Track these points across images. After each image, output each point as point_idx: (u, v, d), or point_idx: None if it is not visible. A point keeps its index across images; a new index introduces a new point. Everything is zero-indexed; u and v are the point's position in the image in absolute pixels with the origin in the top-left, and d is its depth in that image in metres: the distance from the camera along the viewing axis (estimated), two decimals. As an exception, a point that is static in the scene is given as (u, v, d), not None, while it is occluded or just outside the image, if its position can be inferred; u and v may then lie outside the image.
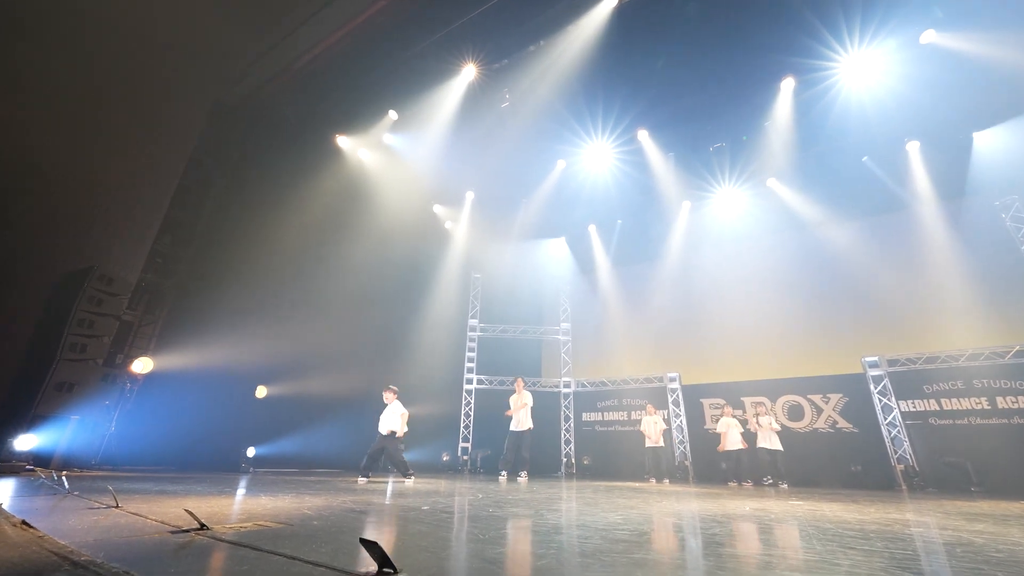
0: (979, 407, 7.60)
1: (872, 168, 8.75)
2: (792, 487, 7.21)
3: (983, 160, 8.13)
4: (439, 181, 10.02)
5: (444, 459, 10.58)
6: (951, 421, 7.75)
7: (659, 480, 8.03)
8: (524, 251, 11.98)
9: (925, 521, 3.30)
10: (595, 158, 9.50)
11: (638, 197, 10.34)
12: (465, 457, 10.54)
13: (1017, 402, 7.37)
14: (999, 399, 7.50)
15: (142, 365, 6.34)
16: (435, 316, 11.36)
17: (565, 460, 10.75)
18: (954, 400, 7.82)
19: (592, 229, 11.78)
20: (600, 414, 10.92)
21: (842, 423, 8.53)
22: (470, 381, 11.57)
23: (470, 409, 11.30)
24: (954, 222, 8.66)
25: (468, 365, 11.69)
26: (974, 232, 8.49)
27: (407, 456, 9.54)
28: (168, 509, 2.68)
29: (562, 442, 11.11)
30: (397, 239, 10.33)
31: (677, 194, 10.01)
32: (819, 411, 8.83)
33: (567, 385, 11.75)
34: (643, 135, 9.01)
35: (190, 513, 2.32)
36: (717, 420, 9.23)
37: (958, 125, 7.94)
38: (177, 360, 6.49)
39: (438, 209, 11.34)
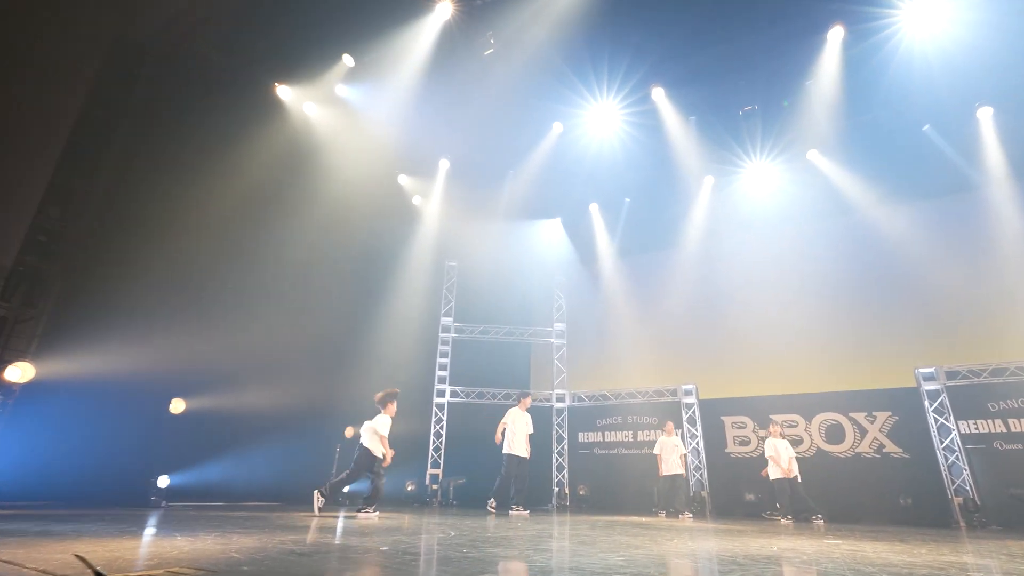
0: (1051, 429, 7.84)
1: (935, 139, 8.88)
2: (830, 523, 7.35)
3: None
4: (406, 145, 9.89)
5: (409, 489, 10.56)
6: (1021, 445, 7.98)
7: (675, 515, 8.11)
8: (511, 234, 11.95)
9: (987, 565, 3.35)
10: (599, 121, 9.47)
11: (651, 170, 10.36)
12: (435, 486, 10.53)
13: (1095, 423, 7.62)
14: (1076, 420, 7.75)
15: (19, 372, 6.13)
16: (399, 313, 11.28)
17: (557, 490, 10.81)
18: (1021, 421, 8.05)
19: (594, 209, 11.80)
20: (600, 434, 11.00)
21: (890, 447, 8.72)
22: (442, 393, 11.54)
23: (442, 428, 11.28)
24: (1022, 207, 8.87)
25: (440, 374, 11.65)
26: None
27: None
28: (52, 555, 2.59)
29: (553, 468, 11.17)
30: (353, 217, 10.19)
31: (698, 167, 10.06)
32: (863, 432, 9.02)
33: (561, 399, 11.80)
34: (658, 94, 9.01)
35: (81, 559, 2.23)
36: (763, 439, 9.38)
37: (1031, 90, 8.10)
38: (66, 366, 6.28)
39: (404, 180, 11.22)
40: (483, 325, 12.19)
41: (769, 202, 10.41)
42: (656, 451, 8.75)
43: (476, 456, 9.70)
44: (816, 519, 7.40)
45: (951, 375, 8.57)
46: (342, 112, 9.28)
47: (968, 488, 7.94)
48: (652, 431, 10.41)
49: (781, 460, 7.96)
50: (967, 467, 8.05)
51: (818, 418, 9.26)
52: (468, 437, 10.49)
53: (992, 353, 8.48)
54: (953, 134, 8.78)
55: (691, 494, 9.52)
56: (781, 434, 8.25)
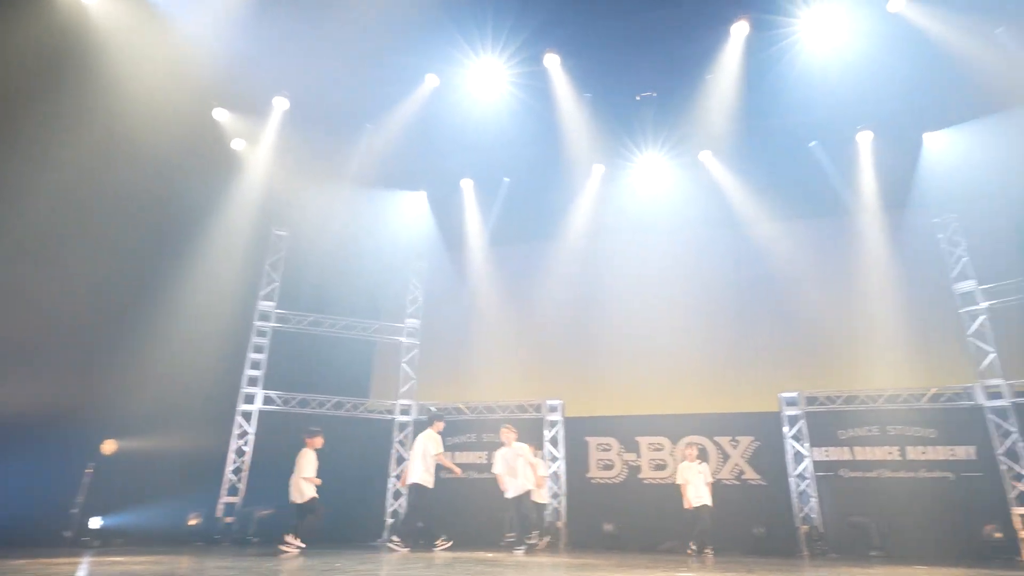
0: (890, 458, 9.47)
1: (819, 156, 10.25)
2: (684, 555, 8.06)
3: (930, 166, 10.10)
4: (228, 68, 8.92)
5: (191, 523, 9.55)
6: (861, 473, 9.52)
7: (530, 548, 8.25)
8: (361, 205, 11.45)
9: None
10: (482, 82, 9.43)
11: (536, 149, 10.59)
12: (229, 519, 9.66)
13: (926, 453, 9.36)
14: (909, 449, 9.43)
15: None
16: (201, 290, 10.14)
17: (392, 521, 10.56)
18: (867, 449, 9.64)
19: (467, 186, 11.77)
20: (449, 454, 10.94)
21: (749, 473, 9.87)
22: (251, 398, 10.71)
23: (247, 443, 10.41)
24: (894, 237, 10.61)
25: (250, 373, 10.82)
26: (911, 252, 10.53)
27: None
28: None
29: (388, 495, 10.89)
30: (143, 155, 8.94)
31: (589, 153, 10.49)
32: (726, 457, 10.09)
33: (406, 411, 11.61)
34: (552, 61, 9.18)
35: None
36: (629, 464, 9.94)
37: (911, 120, 9.71)
38: None
39: (222, 116, 10.13)
40: (315, 315, 11.53)
41: (657, 203, 11.27)
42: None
43: (288, 479, 9.06)
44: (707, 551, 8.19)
45: (810, 401, 9.96)
46: (136, 6, 8.06)
47: (814, 517, 9.22)
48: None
49: (696, 486, 8.57)
50: (815, 495, 9.35)
51: (684, 440, 10.16)
52: (282, 456, 9.76)
53: (848, 380, 10.04)
54: (836, 154, 10.27)
55: (544, 524, 9.85)
56: (696, 458, 8.86)
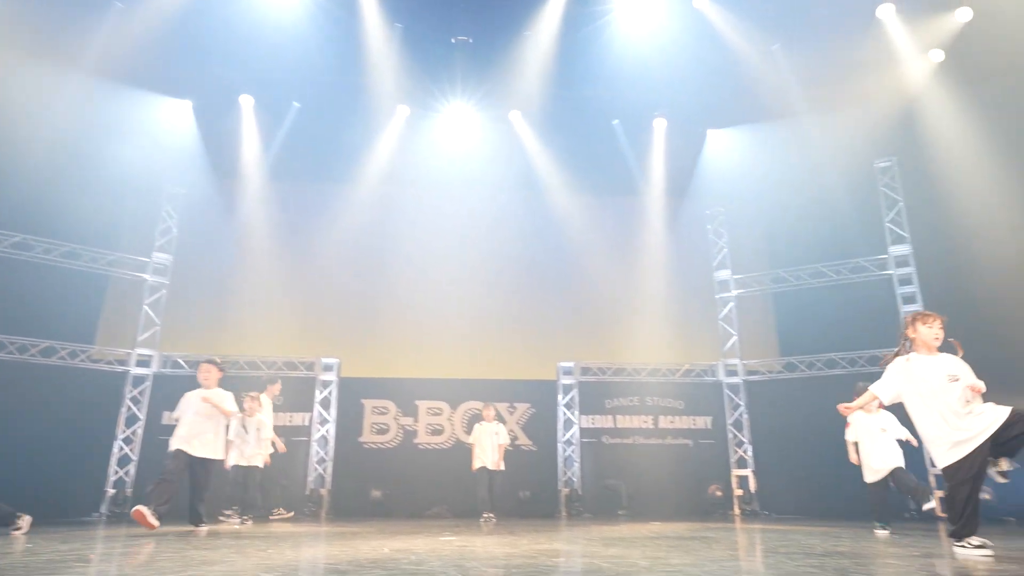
0: (645, 426, 11.00)
1: (619, 136, 11.28)
2: (458, 518, 8.58)
3: (710, 161, 11.67)
4: None
5: None
6: (620, 440, 10.92)
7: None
8: (104, 103, 9.80)
9: (569, 550, 4.43)
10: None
11: (335, 75, 10.05)
12: None
13: (674, 422, 11.05)
14: (661, 418, 11.06)
15: None
16: None
17: (114, 492, 9.53)
18: (627, 417, 11.06)
19: (247, 103, 10.73)
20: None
21: (522, 439, 10.75)
22: (-84, 336, 8.68)
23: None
24: (672, 222, 12.15)
25: (-83, 303, 8.73)
26: (685, 238, 12.15)
27: None
28: None
29: (113, 461, 9.77)
30: None
31: (394, 90, 10.24)
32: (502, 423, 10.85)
33: (145, 362, 10.43)
34: (362, -24, 8.72)
35: None
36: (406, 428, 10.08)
37: (699, 114, 11.10)
38: None
39: None
40: (22, 235, 9.66)
41: (459, 157, 11.45)
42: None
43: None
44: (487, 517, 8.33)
45: (585, 371, 11.10)
46: None
47: (575, 480, 10.43)
48: (278, 413, 10.20)
49: (486, 448, 8.65)
50: (578, 460, 10.56)
51: (463, 407, 10.70)
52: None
53: (618, 353, 11.37)
54: (634, 135, 11.33)
55: (308, 492, 9.73)
56: (494, 419, 8.96)
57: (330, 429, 10.46)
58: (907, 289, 10.05)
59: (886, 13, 9.06)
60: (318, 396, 10.54)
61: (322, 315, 11.31)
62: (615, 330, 11.69)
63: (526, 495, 10.25)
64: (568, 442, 10.80)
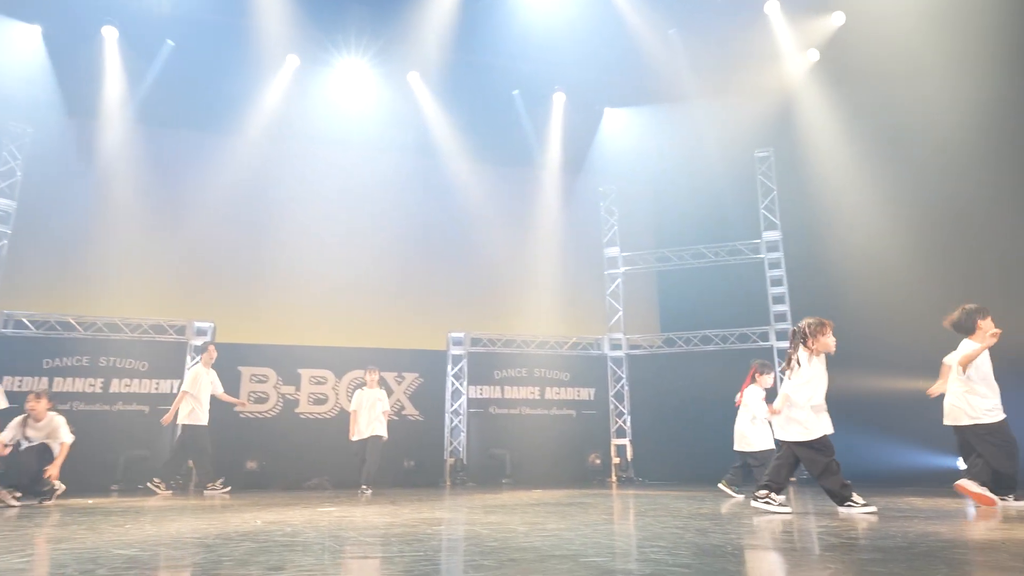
0: (532, 397, 11.27)
1: (519, 106, 11.28)
2: (339, 489, 8.42)
3: (605, 139, 11.96)
4: None
5: None
6: (507, 410, 11.13)
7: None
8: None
9: (451, 518, 4.48)
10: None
11: (216, 15, 9.38)
12: None
13: (559, 393, 11.40)
14: (548, 389, 11.37)
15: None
16: None
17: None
18: (515, 388, 11.27)
19: (110, 35, 9.68)
20: (48, 379, 9.25)
21: (409, 409, 10.69)
22: None
23: None
24: (566, 197, 12.40)
25: None
26: (578, 213, 12.45)
27: None
28: None
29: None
30: None
31: (284, 38, 9.66)
32: (389, 393, 10.71)
33: (-16, 322, 9.32)
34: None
35: None
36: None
37: (597, 91, 11.32)
38: None
39: None
40: None
41: (353, 116, 11.04)
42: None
43: None
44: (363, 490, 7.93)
45: (475, 342, 11.17)
46: None
47: (460, 450, 10.55)
48: (138, 379, 9.53)
49: (369, 416, 8.01)
50: (465, 430, 10.67)
51: (349, 376, 10.44)
52: None
53: (509, 325, 11.54)
54: (534, 108, 11.37)
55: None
56: (377, 384, 8.33)
57: (202, 397, 9.88)
58: (775, 272, 10.87)
59: (772, 9, 9.61)
60: (189, 362, 9.90)
61: (195, 275, 10.62)
62: (506, 302, 11.84)
63: (410, 465, 10.24)
64: (456, 412, 10.86)
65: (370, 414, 8.06)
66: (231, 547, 2.96)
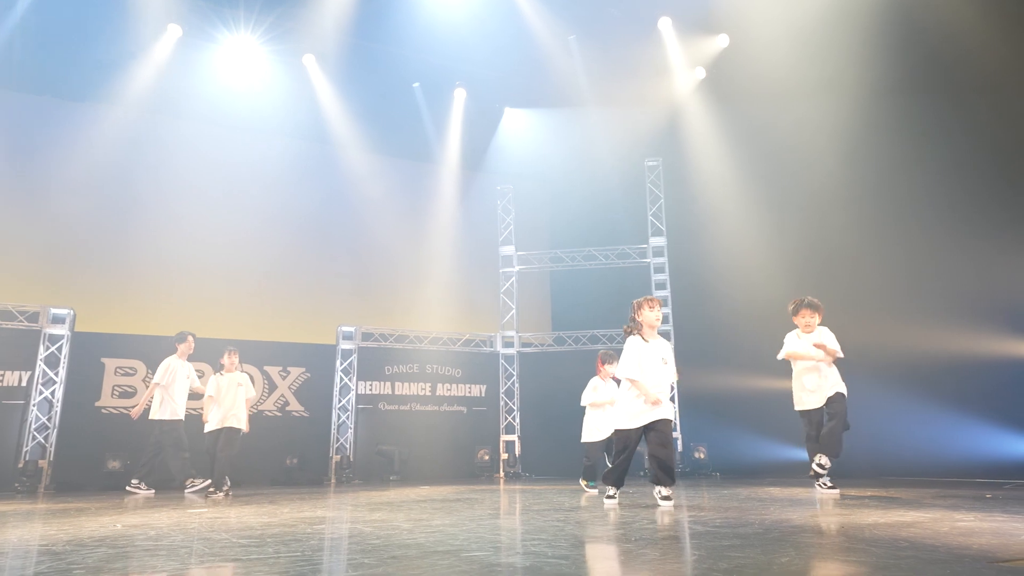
0: (423, 393, 11.20)
1: (419, 99, 11.15)
2: (215, 487, 7.95)
3: (505, 138, 12.07)
4: None
5: None
6: (397, 407, 11.00)
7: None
8: None
9: (333, 516, 4.37)
10: None
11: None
12: None
13: (451, 389, 11.40)
14: (439, 385, 11.34)
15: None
16: None
17: None
18: (406, 384, 11.16)
19: (-41, -15, 8.61)
20: None
21: (294, 405, 10.30)
22: None
23: None
24: (465, 194, 12.42)
25: None
26: (476, 211, 12.50)
27: None
28: None
29: None
30: None
31: (163, 4, 8.99)
32: (272, 388, 10.30)
33: None
34: None
35: None
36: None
37: (499, 90, 11.39)
38: None
39: None
40: None
41: (243, 97, 10.47)
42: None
43: None
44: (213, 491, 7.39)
45: (366, 336, 10.94)
46: None
47: (347, 447, 10.31)
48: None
49: (226, 405, 7.26)
50: (353, 427, 10.43)
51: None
52: None
53: (402, 320, 11.42)
54: (434, 102, 11.28)
55: (21, 464, 8.35)
56: (238, 367, 7.59)
57: (57, 391, 9.01)
58: (659, 276, 11.43)
59: (665, 25, 10.09)
60: (42, 352, 8.99)
61: (53, 256, 9.70)
62: (400, 297, 11.71)
63: (293, 462, 9.86)
64: (343, 408, 10.59)
65: (229, 402, 7.26)
66: (83, 554, 2.72)
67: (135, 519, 4.31)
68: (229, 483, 7.19)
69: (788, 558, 2.26)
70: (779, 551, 2.40)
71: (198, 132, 10.93)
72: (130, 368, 9.50)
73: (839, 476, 5.60)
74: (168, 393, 7.87)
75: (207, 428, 7.32)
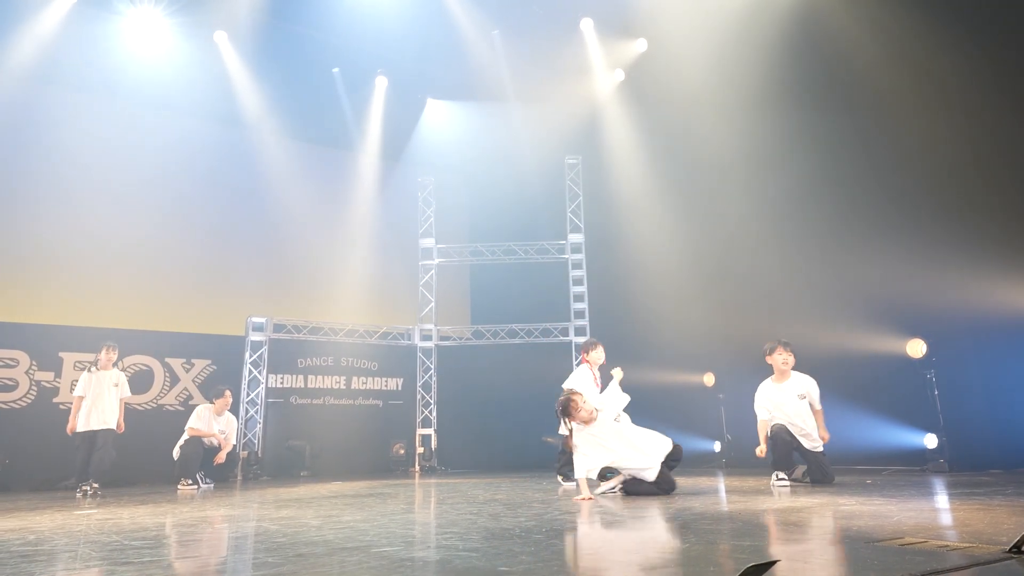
0: (337, 387, 10.93)
1: (338, 85, 10.83)
2: (106, 488, 7.44)
3: (427, 129, 11.93)
4: None
5: None
6: (309, 400, 10.69)
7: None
8: None
9: (238, 515, 4.19)
10: None
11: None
12: None
13: (366, 383, 11.20)
14: (355, 379, 11.10)
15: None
16: None
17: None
18: (320, 377, 10.86)
19: None
20: None
21: (199, 399, 9.78)
22: None
23: None
24: (384, 184, 12.18)
25: None
26: (395, 202, 12.28)
27: None
28: None
29: None
30: None
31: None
32: (175, 381, 9.76)
33: None
34: None
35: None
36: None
37: (421, 80, 11.23)
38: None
39: None
40: None
41: (147, 73, 9.76)
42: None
43: None
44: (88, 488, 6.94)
45: (278, 328, 10.54)
46: None
47: (256, 442, 9.92)
48: None
49: (101, 404, 6.92)
50: (261, 421, 10.04)
51: (127, 361, 9.30)
52: None
53: (316, 311, 11.08)
54: (353, 89, 10.98)
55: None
56: (115, 365, 7.23)
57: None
58: (577, 272, 11.62)
59: (587, 26, 10.26)
60: (-91, 343, 8.14)
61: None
62: (314, 288, 11.36)
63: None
64: (252, 402, 10.16)
65: (103, 402, 6.92)
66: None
67: (13, 522, 3.97)
68: (97, 485, 6.66)
69: (689, 544, 2.36)
70: (682, 536, 2.49)
71: (96, 107, 10.13)
72: (11, 359, 8.77)
73: (732, 467, 5.88)
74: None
75: (79, 429, 6.84)
